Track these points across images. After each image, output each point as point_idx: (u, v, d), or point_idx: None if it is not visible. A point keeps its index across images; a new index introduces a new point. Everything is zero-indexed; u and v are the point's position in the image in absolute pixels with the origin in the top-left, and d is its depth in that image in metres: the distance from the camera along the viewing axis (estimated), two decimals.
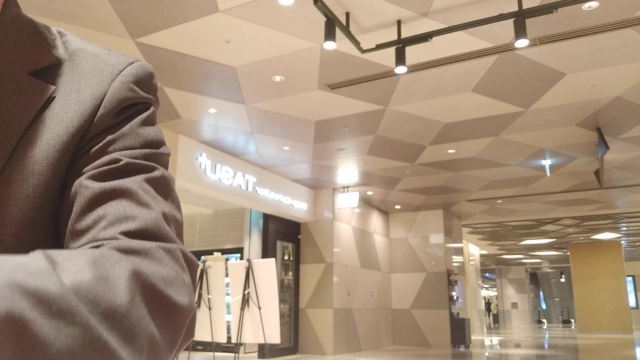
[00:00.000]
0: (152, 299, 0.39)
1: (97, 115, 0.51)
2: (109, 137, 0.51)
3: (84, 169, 0.49)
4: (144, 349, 0.37)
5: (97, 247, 0.43)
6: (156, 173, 0.51)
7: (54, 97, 0.50)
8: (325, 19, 4.25)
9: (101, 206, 0.47)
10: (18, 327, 0.28)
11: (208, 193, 8.08)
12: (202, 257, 8.29)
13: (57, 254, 0.36)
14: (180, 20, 4.53)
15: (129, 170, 0.49)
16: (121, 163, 0.49)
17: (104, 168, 0.49)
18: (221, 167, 8.15)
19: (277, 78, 5.65)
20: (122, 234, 0.44)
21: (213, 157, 8.03)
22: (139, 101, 0.54)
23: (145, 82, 0.56)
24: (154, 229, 0.46)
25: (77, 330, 0.31)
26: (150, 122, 0.55)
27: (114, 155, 0.50)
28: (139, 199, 0.48)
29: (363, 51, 4.82)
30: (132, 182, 0.49)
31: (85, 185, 0.48)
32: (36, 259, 0.33)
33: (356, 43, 4.67)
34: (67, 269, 0.34)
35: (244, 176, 8.71)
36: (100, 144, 0.50)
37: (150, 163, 0.52)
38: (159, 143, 0.54)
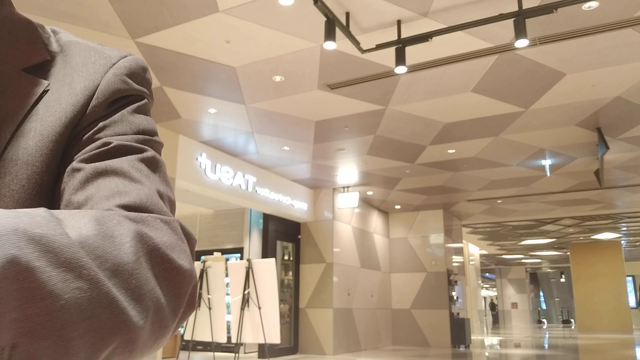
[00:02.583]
0: (156, 262, 0.39)
1: (90, 106, 0.51)
2: (100, 124, 0.51)
3: (76, 156, 0.50)
4: (149, 310, 0.36)
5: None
6: (148, 154, 0.51)
7: (48, 90, 0.51)
8: (325, 19, 4.25)
9: (93, 184, 0.47)
10: (24, 275, 0.27)
11: (208, 193, 8.08)
12: (202, 257, 8.29)
13: (58, 212, 0.35)
14: (180, 20, 4.53)
15: (120, 152, 0.50)
16: (112, 145, 0.50)
17: (95, 151, 0.49)
18: (221, 167, 8.15)
19: (277, 78, 5.65)
20: (117, 207, 0.44)
21: (213, 157, 8.03)
22: (131, 93, 0.55)
23: (139, 75, 0.56)
24: (148, 204, 0.46)
25: (86, 283, 0.30)
26: (142, 111, 0.55)
27: (105, 139, 0.50)
28: (131, 177, 0.48)
29: (363, 51, 4.82)
30: (124, 161, 0.49)
31: (77, 168, 0.48)
32: (39, 211, 0.32)
33: (356, 43, 4.67)
34: (71, 225, 0.33)
35: (244, 176, 8.71)
36: (91, 131, 0.51)
37: (141, 145, 0.52)
38: (151, 131, 0.54)
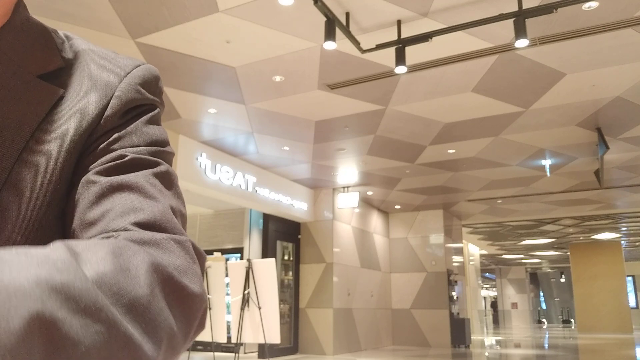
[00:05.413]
0: (170, 290, 0.40)
1: (105, 115, 0.52)
2: (115, 136, 0.52)
3: (91, 166, 0.50)
4: (163, 340, 0.37)
5: (109, 237, 0.43)
6: (161, 168, 0.52)
7: (62, 98, 0.51)
8: (325, 19, 4.25)
9: (109, 199, 0.48)
10: (48, 328, 0.28)
11: (208, 193, 8.08)
12: None
13: (75, 244, 0.36)
14: (181, 20, 4.53)
15: (134, 165, 0.51)
16: (127, 158, 0.50)
17: (110, 164, 0.50)
18: (221, 167, 8.15)
19: (277, 78, 5.65)
20: (132, 225, 0.45)
21: (213, 157, 8.03)
22: (144, 102, 0.55)
23: (152, 84, 0.57)
24: (162, 221, 0.47)
25: (104, 326, 0.32)
26: (155, 121, 0.56)
27: (120, 151, 0.51)
28: (146, 192, 0.49)
29: (363, 51, 4.82)
30: (139, 177, 0.50)
31: (92, 180, 0.49)
32: (58, 250, 0.33)
33: (356, 43, 4.67)
34: (88, 260, 0.35)
35: (244, 176, 8.71)
36: (106, 142, 0.51)
37: (155, 159, 0.53)
38: (164, 142, 0.55)
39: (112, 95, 0.53)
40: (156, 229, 0.45)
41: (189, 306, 0.42)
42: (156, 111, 0.57)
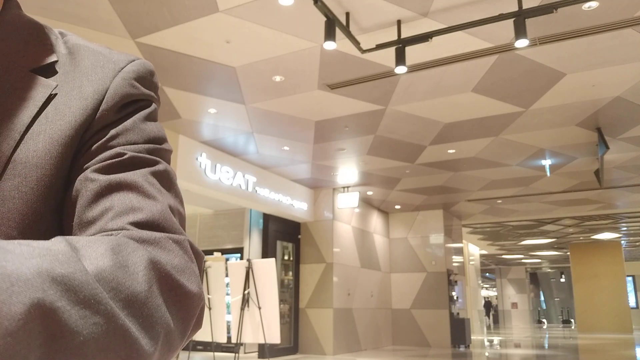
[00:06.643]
0: (167, 288, 0.40)
1: (99, 110, 0.52)
2: (112, 132, 0.52)
3: (88, 163, 0.50)
4: (160, 337, 0.38)
5: (108, 236, 0.43)
6: (160, 167, 0.52)
7: (56, 93, 0.51)
8: (325, 19, 4.25)
9: (107, 198, 0.48)
10: (48, 316, 0.29)
11: (208, 193, 8.08)
12: None
13: (76, 240, 0.37)
14: (181, 20, 4.53)
15: (133, 164, 0.50)
16: (125, 157, 0.50)
17: (109, 162, 0.50)
18: (221, 167, 8.15)
19: (277, 78, 5.65)
20: (130, 225, 0.45)
21: (213, 157, 8.03)
22: (140, 97, 0.55)
23: (146, 79, 0.57)
24: (161, 221, 0.47)
25: (102, 318, 0.32)
26: (152, 118, 0.56)
27: (118, 149, 0.51)
28: (144, 191, 0.49)
29: (363, 51, 4.82)
30: (137, 175, 0.50)
31: (91, 179, 0.49)
32: (59, 244, 0.34)
33: (356, 43, 4.67)
34: (88, 256, 0.35)
35: (244, 176, 8.71)
36: (104, 139, 0.51)
37: (153, 157, 0.53)
38: (161, 139, 0.55)
39: (107, 90, 0.53)
40: (155, 229, 0.46)
41: (186, 304, 0.42)
42: (153, 107, 0.56)
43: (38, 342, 0.28)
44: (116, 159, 0.50)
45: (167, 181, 0.52)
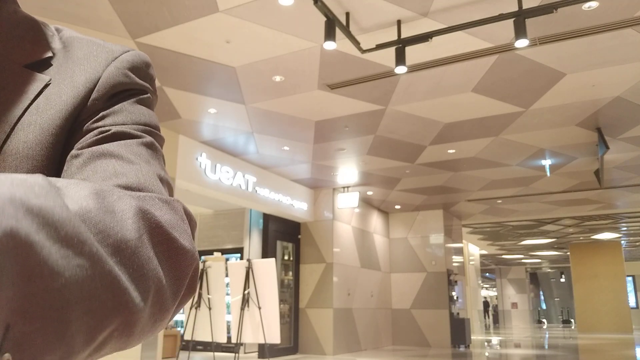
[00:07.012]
0: (158, 241, 0.37)
1: (90, 99, 0.51)
2: (100, 114, 0.51)
3: (75, 145, 0.49)
4: (150, 291, 0.34)
5: None
6: (146, 139, 0.51)
7: (49, 84, 0.51)
8: (325, 19, 4.25)
9: (90, 165, 0.46)
10: (22, 249, 0.24)
11: (208, 193, 8.08)
12: (202, 257, 8.29)
13: (56, 180, 0.32)
14: (181, 20, 4.53)
15: (118, 137, 0.49)
16: (110, 132, 0.49)
17: (93, 138, 0.49)
18: (221, 167, 8.15)
19: (277, 78, 5.65)
20: (116, 187, 0.41)
21: (213, 157, 8.03)
22: (133, 87, 0.54)
23: (141, 69, 0.56)
24: (147, 184, 0.45)
25: (87, 261, 0.28)
26: (143, 103, 0.54)
27: (104, 128, 0.50)
28: (129, 159, 0.47)
29: (363, 51, 4.82)
30: (122, 145, 0.48)
31: (75, 154, 0.48)
32: (36, 177, 0.29)
33: (356, 43, 4.67)
34: (70, 195, 0.31)
35: (244, 176, 8.71)
36: (91, 121, 0.50)
37: (140, 132, 0.51)
38: (152, 124, 0.54)
39: (99, 79, 0.52)
40: (141, 192, 0.42)
41: (179, 261, 0.39)
42: (145, 95, 0.55)
43: (9, 281, 0.24)
44: (100, 135, 0.49)
45: (153, 152, 0.50)
